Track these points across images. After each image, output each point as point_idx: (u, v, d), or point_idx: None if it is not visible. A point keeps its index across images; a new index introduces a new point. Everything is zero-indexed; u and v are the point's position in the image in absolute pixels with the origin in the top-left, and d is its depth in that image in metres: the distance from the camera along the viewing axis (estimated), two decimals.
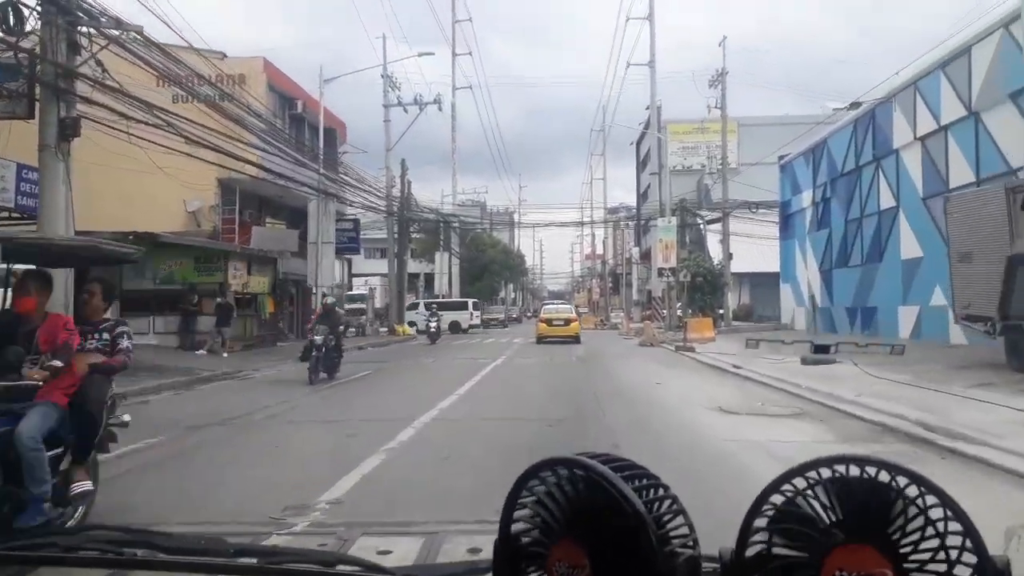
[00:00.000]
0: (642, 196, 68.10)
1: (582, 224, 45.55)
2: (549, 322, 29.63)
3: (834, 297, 28.25)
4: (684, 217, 37.32)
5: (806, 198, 31.41)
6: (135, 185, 22.64)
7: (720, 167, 39.97)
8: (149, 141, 16.16)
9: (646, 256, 59.37)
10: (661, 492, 0.95)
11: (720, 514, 1.71)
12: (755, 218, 40.82)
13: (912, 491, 0.83)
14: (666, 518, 0.93)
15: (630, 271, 58.92)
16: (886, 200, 24.03)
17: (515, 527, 0.98)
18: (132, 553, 1.19)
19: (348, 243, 32.52)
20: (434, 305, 28.40)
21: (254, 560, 1.19)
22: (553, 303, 43.74)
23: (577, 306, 52.15)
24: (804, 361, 16.88)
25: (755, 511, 0.89)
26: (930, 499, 0.82)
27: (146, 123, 14.49)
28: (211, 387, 14.27)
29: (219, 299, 19.97)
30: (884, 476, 0.84)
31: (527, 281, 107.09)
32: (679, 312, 34.95)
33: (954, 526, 0.81)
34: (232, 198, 25.19)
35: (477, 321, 42.89)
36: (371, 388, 14.25)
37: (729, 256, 37.93)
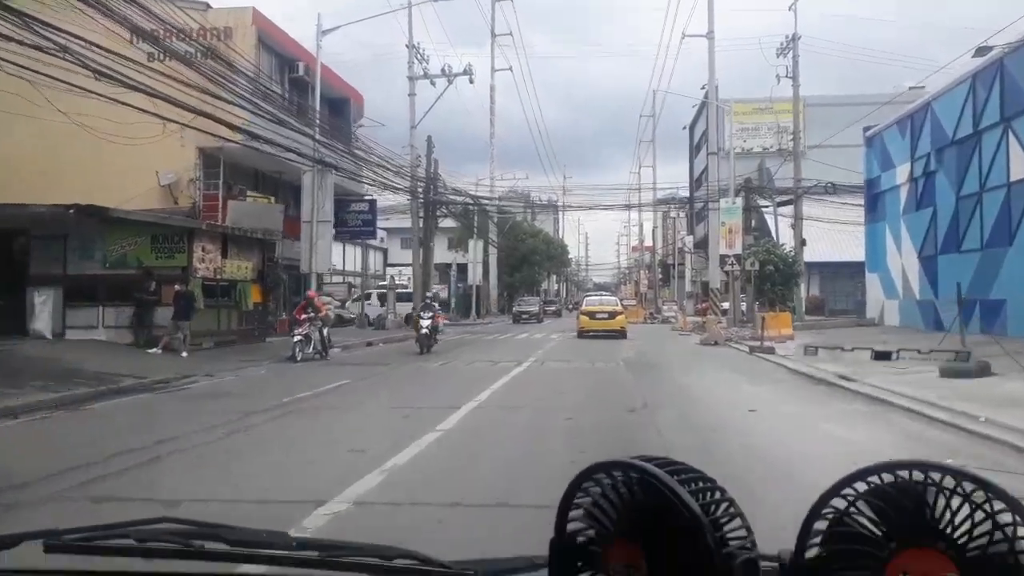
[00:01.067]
0: (696, 181, 62.79)
1: (629, 208, 40.61)
2: (592, 315, 26.47)
3: (939, 288, 23.00)
4: (749, 199, 32.19)
5: (901, 174, 26.11)
6: (106, 155, 18.86)
7: (787, 146, 34.82)
8: (116, 101, 12.71)
9: (701, 244, 54.15)
10: (718, 495, 0.94)
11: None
12: (827, 201, 35.60)
13: (979, 496, 0.81)
14: (723, 520, 0.92)
15: (682, 261, 53.78)
16: (1018, 170, 18.81)
17: (570, 526, 0.97)
18: (200, 545, 1.23)
19: (363, 227, 28.43)
20: (429, 298, 21.82)
21: (315, 553, 1.23)
22: (596, 294, 39.24)
23: (623, 298, 47.35)
24: (945, 372, 12.07)
25: (815, 514, 0.88)
26: (969, 486, 0.81)
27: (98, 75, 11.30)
28: (109, 406, 10.09)
29: (177, 286, 15.93)
30: (949, 481, 0.82)
31: (570, 272, 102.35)
32: (744, 305, 29.93)
33: (999, 505, 0.80)
34: (216, 171, 21.23)
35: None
36: (330, 413, 9.93)
37: (802, 242, 32.75)
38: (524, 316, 41.59)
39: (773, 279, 29.29)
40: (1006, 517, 0.79)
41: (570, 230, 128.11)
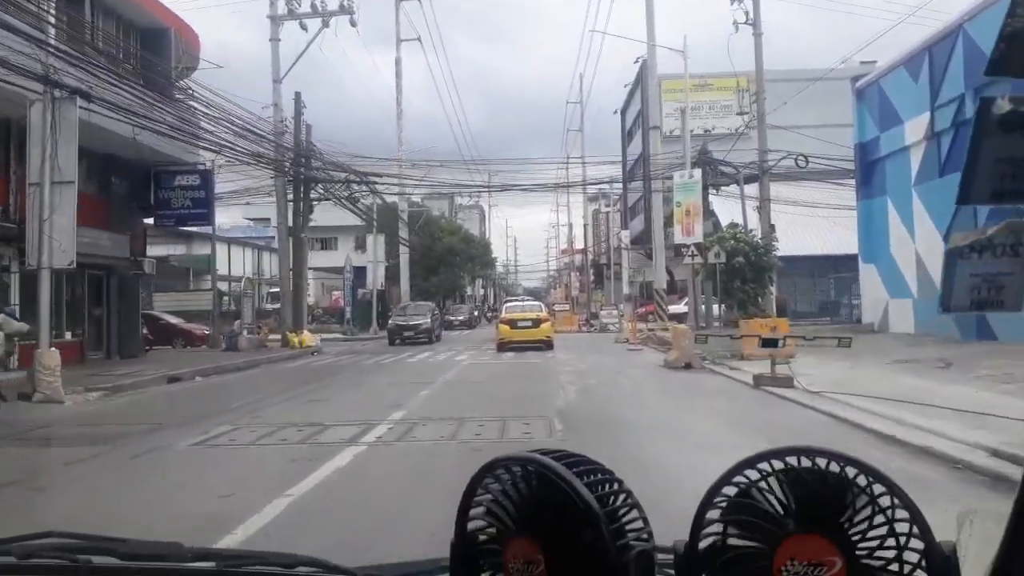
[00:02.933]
0: (629, 173, 56.30)
1: (558, 187, 33.28)
2: (513, 324, 22.76)
3: None
4: (708, 172, 25.28)
5: (913, 130, 19.51)
6: None
7: (747, 111, 28.23)
8: None
9: (638, 240, 47.50)
10: (616, 487, 0.93)
11: None
12: (790, 182, 29.30)
13: (861, 481, 0.82)
14: (620, 512, 0.91)
15: (618, 260, 46.95)
16: None
17: (471, 525, 0.96)
18: (87, 560, 1.16)
19: (192, 209, 20.18)
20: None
21: (212, 564, 1.18)
22: (518, 299, 33.03)
23: (553, 304, 40.17)
24: None
25: (707, 503, 0.88)
26: (878, 488, 0.82)
27: None
28: None
29: None
30: (835, 467, 0.83)
31: (497, 276, 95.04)
32: (704, 308, 22.94)
33: (901, 513, 0.81)
34: None
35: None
36: None
37: (771, 227, 26.06)
38: (408, 335, 25.38)
39: (743, 274, 22.37)
40: (886, 501, 0.81)
41: (498, 234, 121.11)
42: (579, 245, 77.38)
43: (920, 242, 19.15)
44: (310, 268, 52.09)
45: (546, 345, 21.89)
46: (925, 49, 18.47)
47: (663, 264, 32.84)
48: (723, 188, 28.45)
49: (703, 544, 0.88)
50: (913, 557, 0.81)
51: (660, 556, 0.91)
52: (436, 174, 31.02)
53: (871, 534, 0.82)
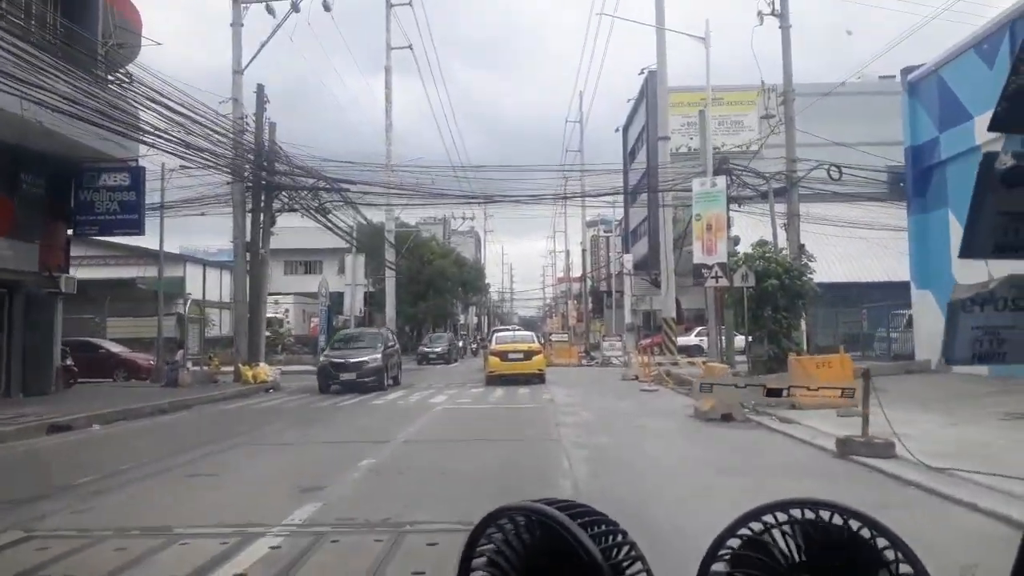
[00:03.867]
0: (631, 193, 53.12)
1: (557, 199, 29.72)
2: (503, 356, 21.17)
3: None
4: (732, 181, 21.89)
5: (986, 127, 16.12)
6: None
7: (774, 115, 25.00)
8: None
9: (641, 265, 44.10)
10: (620, 538, 0.92)
11: None
12: (816, 204, 26.04)
13: (865, 534, 0.82)
14: (624, 564, 0.90)
15: (620, 288, 43.45)
16: None
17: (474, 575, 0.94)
18: None
19: (120, 214, 16.65)
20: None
21: None
22: (508, 329, 29.61)
23: (550, 334, 36.66)
24: None
25: (713, 554, 0.88)
26: (882, 541, 0.81)
27: None
28: None
29: None
30: (838, 520, 0.83)
31: (490, 303, 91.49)
32: (724, 340, 19.33)
33: (905, 568, 0.81)
34: None
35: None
36: None
37: (801, 248, 22.61)
38: (347, 379, 18.56)
39: (774, 300, 18.89)
40: (891, 555, 0.81)
41: (494, 262, 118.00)
42: (577, 273, 74.15)
43: (996, 262, 15.66)
44: (292, 293, 48.98)
45: (538, 379, 20.33)
46: (1005, 25, 15.16)
47: (672, 290, 29.39)
48: (739, 203, 25.08)
49: None
50: None
51: None
52: (427, 191, 27.58)
53: None
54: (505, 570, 0.92)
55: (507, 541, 0.93)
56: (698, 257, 19.67)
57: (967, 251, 1.24)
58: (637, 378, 21.23)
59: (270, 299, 51.10)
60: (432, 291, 46.90)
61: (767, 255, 19.20)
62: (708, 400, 11.29)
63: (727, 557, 0.88)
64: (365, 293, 45.48)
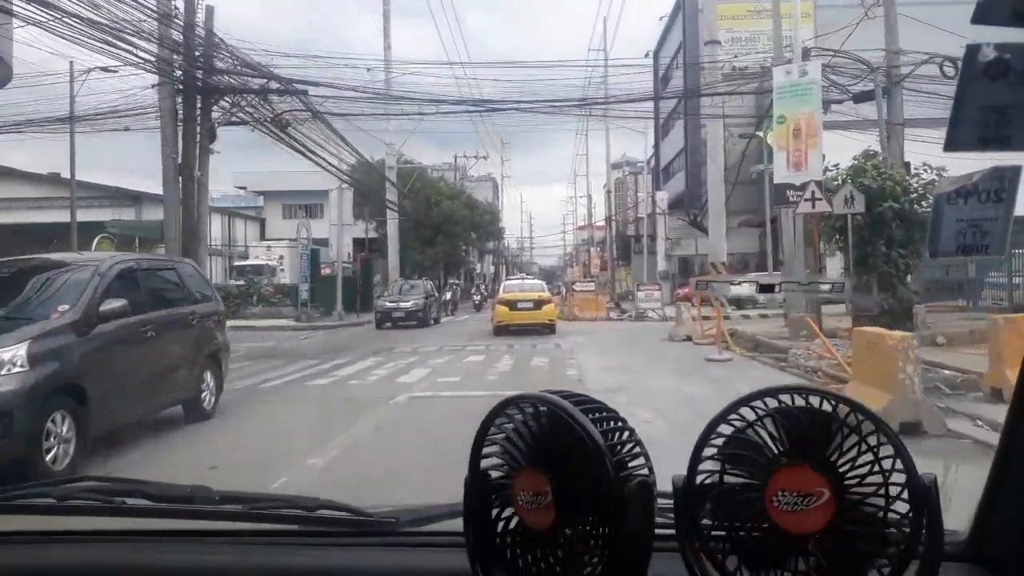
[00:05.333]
0: (663, 126, 47.08)
1: (581, 104, 23.86)
2: (512, 304, 19.89)
3: None
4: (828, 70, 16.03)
5: None
6: None
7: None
8: None
9: (676, 205, 38.46)
10: (619, 424, 0.96)
11: None
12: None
13: (851, 419, 0.85)
14: (624, 448, 0.94)
15: (651, 231, 37.87)
16: None
17: (484, 463, 0.99)
18: (121, 501, 1.22)
19: None
20: None
21: (239, 506, 1.22)
22: (518, 279, 27.59)
23: (573, 283, 31.35)
24: None
25: (704, 440, 0.91)
26: (867, 426, 0.85)
27: None
28: None
29: None
30: (826, 406, 0.86)
31: (508, 251, 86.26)
32: (844, 282, 13.83)
33: (887, 450, 0.84)
34: None
35: None
36: None
37: (906, 166, 16.85)
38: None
39: (888, 232, 13.40)
40: (873, 439, 0.84)
41: (512, 210, 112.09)
42: (599, 219, 68.46)
43: None
44: (287, 239, 43.97)
45: (548, 329, 19.42)
46: None
47: (722, 228, 24.04)
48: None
49: (700, 478, 0.91)
50: (895, 490, 0.83)
51: (662, 494, 0.94)
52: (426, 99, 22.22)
53: (857, 466, 0.85)
54: (514, 455, 0.95)
55: (516, 429, 0.96)
56: (782, 174, 14.18)
57: (951, 144, 1.19)
58: (690, 339, 16.02)
59: (262, 245, 46.54)
60: (442, 236, 41.68)
61: (880, 170, 13.69)
62: (879, 397, 6.05)
63: (718, 443, 0.90)
64: (364, 239, 40.52)
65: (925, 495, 0.83)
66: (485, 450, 0.98)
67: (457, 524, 1.03)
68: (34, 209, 33.45)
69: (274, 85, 16.73)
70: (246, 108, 16.68)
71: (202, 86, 15.89)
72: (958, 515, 1.04)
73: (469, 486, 0.99)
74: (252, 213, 57.66)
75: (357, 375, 11.41)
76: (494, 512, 0.97)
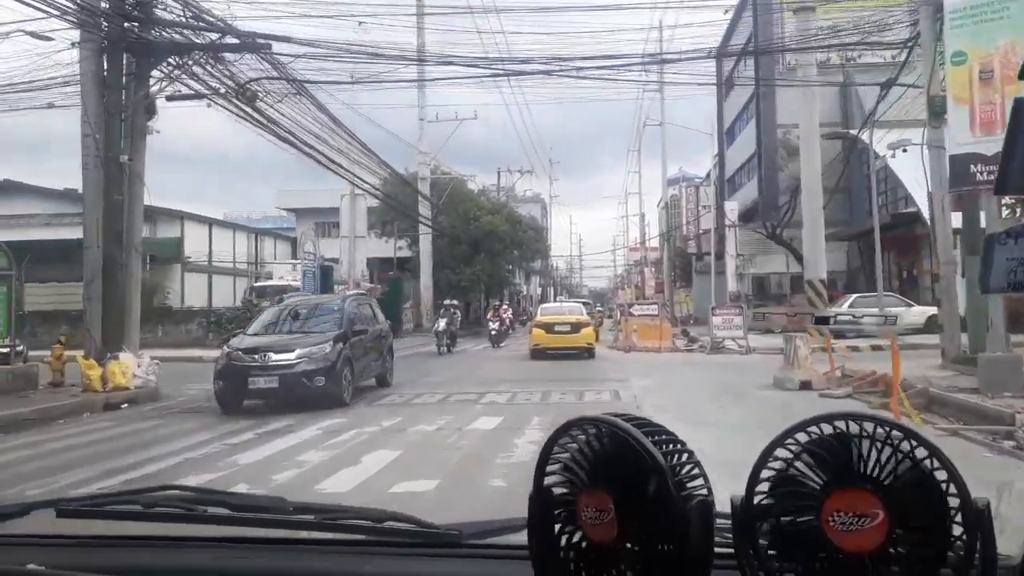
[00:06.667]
0: (727, 132, 42.02)
1: (643, 63, 18.53)
2: (549, 328, 18.68)
3: None
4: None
5: None
6: None
7: None
8: None
9: (749, 216, 33.29)
10: (679, 446, 0.98)
11: None
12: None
13: (905, 446, 0.85)
14: (683, 469, 0.96)
15: (719, 249, 32.71)
16: None
17: (548, 480, 1.00)
18: (203, 510, 1.31)
19: None
20: None
21: (311, 516, 1.30)
22: (558, 303, 27.45)
23: (630, 305, 26.44)
24: None
25: (762, 463, 0.93)
26: (920, 452, 0.85)
27: None
28: None
29: None
30: (881, 432, 0.86)
31: (556, 273, 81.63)
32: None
33: (940, 475, 0.85)
34: None
35: None
36: None
37: None
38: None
39: None
40: (928, 463, 0.85)
41: (562, 235, 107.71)
42: (653, 240, 63.19)
43: None
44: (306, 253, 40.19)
45: (587, 353, 18.35)
46: None
47: (821, 238, 19.04)
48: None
49: (757, 499, 0.93)
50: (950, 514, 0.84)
51: (721, 513, 0.96)
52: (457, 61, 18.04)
53: (899, 472, 0.86)
54: (577, 475, 0.97)
55: (580, 449, 0.98)
56: (962, 140, 9.22)
57: (1000, 188, 1.27)
58: (809, 386, 11.05)
59: (287, 263, 42.74)
60: (484, 255, 37.30)
61: None
62: None
63: (775, 465, 0.92)
64: (394, 258, 36.42)
65: (977, 518, 0.84)
66: (548, 468, 1.00)
67: (521, 538, 1.06)
68: (47, 227, 30.49)
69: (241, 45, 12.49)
70: (201, 74, 12.48)
71: (135, 41, 11.79)
72: (1015, 540, 1.03)
73: (534, 501, 1.02)
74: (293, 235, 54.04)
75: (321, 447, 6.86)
76: (557, 527, 1.00)
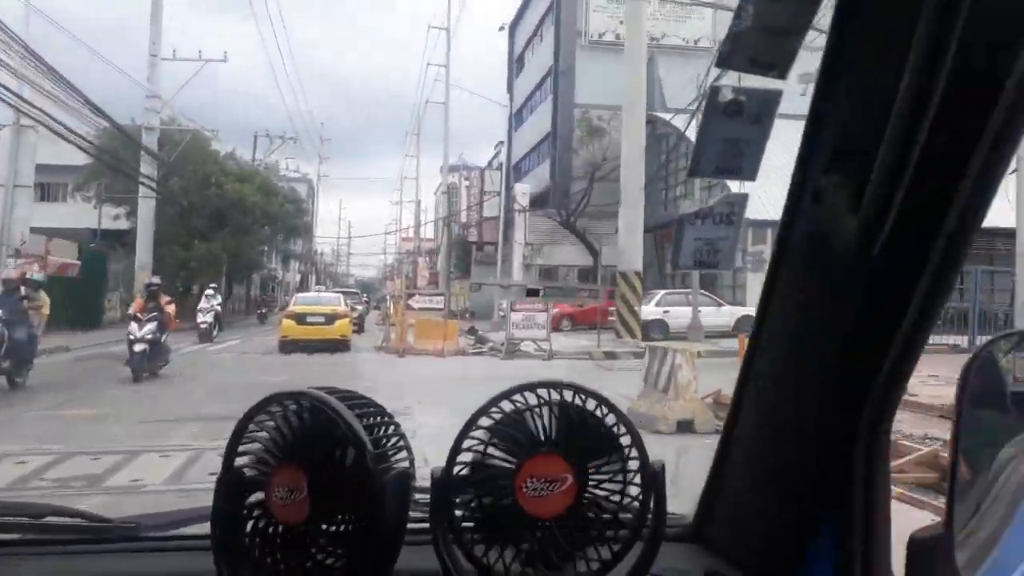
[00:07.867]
0: (516, 114, 39.00)
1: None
2: (301, 318, 17.58)
3: None
4: None
5: None
6: None
7: None
8: None
9: (539, 203, 30.16)
10: (385, 419, 0.95)
11: None
12: None
13: (599, 412, 0.89)
14: (386, 442, 0.93)
15: (506, 237, 29.20)
16: None
17: (239, 461, 0.94)
18: None
19: None
20: None
21: None
22: (315, 293, 24.62)
23: (408, 295, 21.74)
24: None
25: (464, 434, 0.91)
26: (611, 418, 0.89)
27: None
28: None
29: None
30: (578, 400, 0.89)
31: (320, 259, 74.58)
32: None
33: (626, 440, 0.89)
34: None
35: None
36: None
37: None
38: None
39: None
40: (616, 429, 0.89)
41: (331, 220, 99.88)
42: (429, 228, 59.24)
43: None
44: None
45: (341, 345, 17.35)
46: None
47: (640, 225, 16.18)
48: None
49: (458, 471, 0.91)
50: (630, 476, 0.89)
51: (423, 486, 0.93)
52: None
53: (599, 454, 0.89)
54: (270, 450, 0.91)
55: (276, 427, 0.92)
56: None
57: (694, 171, 1.36)
58: (692, 427, 7.23)
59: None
60: (229, 229, 30.30)
61: None
62: None
63: (479, 435, 0.90)
64: (98, 229, 28.30)
65: (653, 480, 0.89)
66: (241, 448, 0.93)
67: (206, 528, 0.97)
68: None
69: None
70: None
71: None
72: (689, 501, 1.06)
73: (220, 484, 0.94)
74: None
75: None
76: (245, 512, 0.93)
